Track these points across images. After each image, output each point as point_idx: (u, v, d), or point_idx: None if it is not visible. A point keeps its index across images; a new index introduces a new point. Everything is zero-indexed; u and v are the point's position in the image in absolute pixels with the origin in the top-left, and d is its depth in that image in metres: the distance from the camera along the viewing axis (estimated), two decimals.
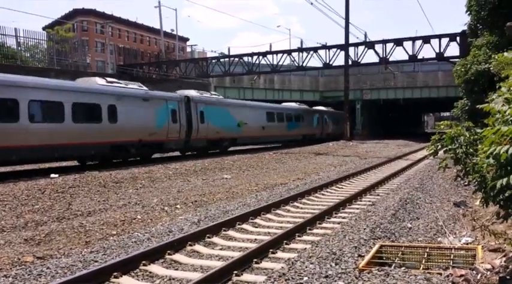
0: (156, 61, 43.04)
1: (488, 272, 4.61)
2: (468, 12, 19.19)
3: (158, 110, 20.79)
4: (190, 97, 23.54)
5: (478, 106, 4.85)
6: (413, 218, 8.24)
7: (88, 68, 36.92)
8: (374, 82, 49.70)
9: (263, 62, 36.23)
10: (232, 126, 27.00)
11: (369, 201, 10.17)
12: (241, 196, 11.33)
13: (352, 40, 37.72)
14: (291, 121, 35.42)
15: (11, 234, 7.40)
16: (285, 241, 6.68)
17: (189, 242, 6.58)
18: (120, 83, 20.06)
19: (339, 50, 34.64)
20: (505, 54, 5.90)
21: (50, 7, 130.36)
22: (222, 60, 38.39)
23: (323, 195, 11.42)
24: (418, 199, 10.08)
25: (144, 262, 5.66)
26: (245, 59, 37.20)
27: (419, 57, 32.57)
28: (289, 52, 36.20)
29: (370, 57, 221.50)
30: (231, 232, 7.46)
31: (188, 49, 75.91)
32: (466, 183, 10.68)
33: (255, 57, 36.70)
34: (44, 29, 54.07)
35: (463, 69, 19.52)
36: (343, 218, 8.48)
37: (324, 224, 8.03)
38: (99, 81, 19.24)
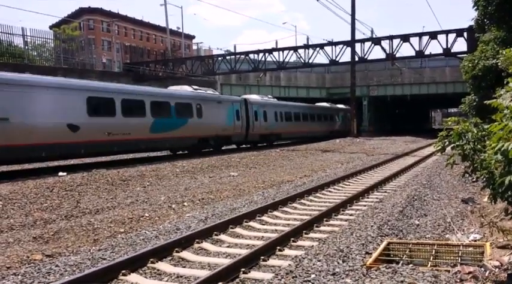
0: (162, 59, 43.12)
1: (497, 269, 4.59)
2: (475, 7, 18.99)
3: (228, 110, 25.89)
4: (247, 99, 28.65)
5: (485, 102, 4.82)
6: (421, 215, 8.20)
7: (95, 66, 37.07)
8: (381, 78, 49.47)
9: (269, 59, 36.17)
10: (277, 123, 31.55)
11: (376, 198, 10.14)
12: (248, 193, 11.34)
13: (358, 36, 37.82)
14: (321, 119, 40.04)
15: (20, 232, 7.46)
16: (292, 239, 6.68)
17: (197, 240, 6.60)
18: (201, 89, 25.11)
19: (345, 47, 34.53)
20: None
21: (56, 6, 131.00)
22: (228, 57, 38.35)
23: (330, 192, 11.40)
24: (426, 196, 10.04)
25: (152, 259, 5.68)
26: (251, 56, 37.12)
27: (427, 53, 32.44)
28: (295, 49, 36.10)
29: (376, 53, 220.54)
30: (238, 230, 7.47)
31: (194, 47, 76.17)
32: (474, 180, 10.61)
33: (261, 55, 36.60)
34: (50, 27, 54.49)
35: (470, 65, 19.38)
36: (351, 215, 8.46)
37: (331, 222, 8.01)
38: (188, 88, 24.30)
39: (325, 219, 8.03)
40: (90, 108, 16.77)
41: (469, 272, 4.57)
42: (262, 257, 5.76)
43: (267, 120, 30.09)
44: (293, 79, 50.85)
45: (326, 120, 41.14)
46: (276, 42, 51.59)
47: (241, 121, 27.02)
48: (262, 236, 7.07)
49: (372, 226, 7.08)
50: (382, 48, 33.14)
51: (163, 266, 5.65)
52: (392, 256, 5.61)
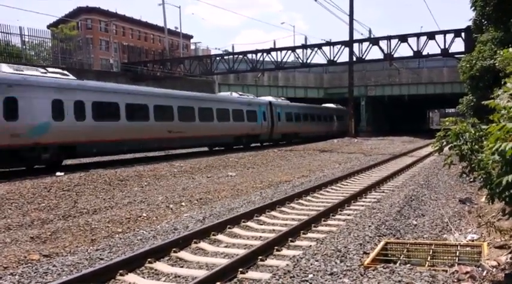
0: (160, 59, 43.07)
1: (494, 269, 4.60)
2: (473, 8, 19.03)
3: (257, 112, 29.24)
4: (271, 102, 31.71)
5: (483, 102, 4.83)
6: (419, 215, 8.22)
7: (93, 66, 36.99)
8: (379, 78, 49.51)
9: (267, 59, 36.10)
10: (295, 124, 34.76)
11: (374, 198, 10.16)
12: (245, 193, 11.34)
13: (356, 36, 37.91)
14: (333, 120, 43.44)
15: (17, 232, 7.44)
16: (289, 238, 6.69)
17: (194, 240, 6.59)
18: (238, 93, 30.21)
19: (343, 47, 34.51)
20: (510, 49, 5.87)
21: (54, 5, 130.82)
22: (226, 57, 38.27)
23: (328, 192, 11.41)
24: (424, 196, 10.05)
25: (149, 259, 5.68)
26: (249, 56, 37.04)
27: (424, 53, 32.37)
28: (293, 49, 36.05)
29: (374, 53, 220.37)
30: (236, 230, 7.47)
31: (192, 47, 76.13)
32: (472, 180, 10.56)
33: (259, 54, 36.53)
34: (48, 27, 54.33)
35: (468, 65, 19.41)
36: (348, 215, 8.46)
37: (328, 222, 8.02)
38: (236, 94, 29.23)
39: (322, 219, 8.04)
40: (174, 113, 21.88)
41: (467, 272, 4.58)
42: (260, 257, 5.76)
43: (287, 120, 33.37)
44: (291, 80, 50.85)
45: (334, 120, 44.20)
46: (274, 42, 51.30)
47: (267, 122, 30.40)
48: (260, 236, 7.06)
49: (369, 226, 7.09)
50: (380, 48, 33.13)
51: (160, 266, 5.64)
52: (390, 256, 5.61)
